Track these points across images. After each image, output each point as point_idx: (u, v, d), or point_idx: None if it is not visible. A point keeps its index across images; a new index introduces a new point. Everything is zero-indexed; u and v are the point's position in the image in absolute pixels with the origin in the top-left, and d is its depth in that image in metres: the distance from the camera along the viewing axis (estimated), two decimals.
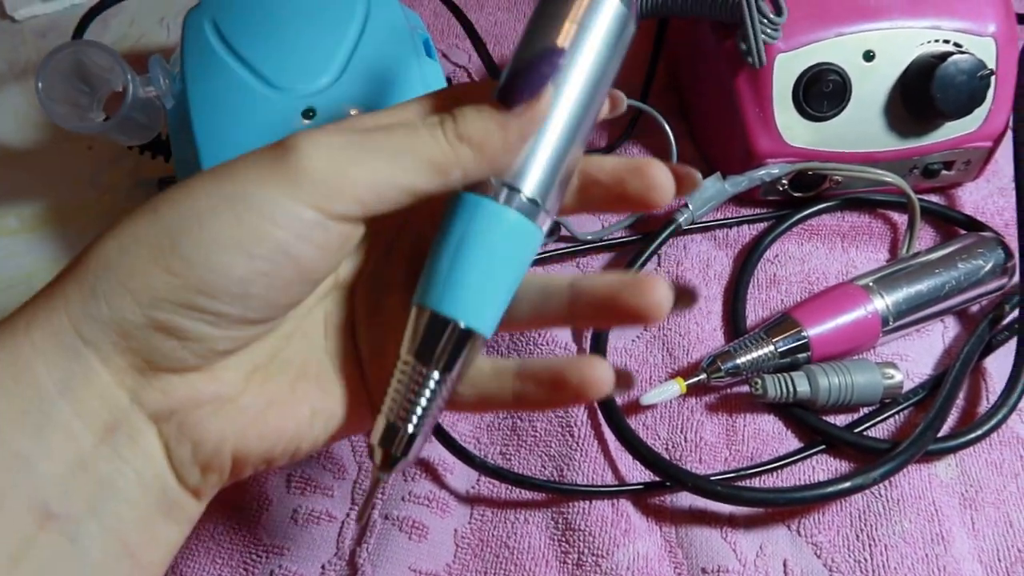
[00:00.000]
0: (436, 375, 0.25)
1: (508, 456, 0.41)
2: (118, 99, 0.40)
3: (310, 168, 0.23)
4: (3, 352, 0.23)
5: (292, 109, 0.39)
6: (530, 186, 0.25)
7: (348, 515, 0.39)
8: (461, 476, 0.40)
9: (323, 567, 0.38)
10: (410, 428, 0.25)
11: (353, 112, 0.39)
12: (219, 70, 0.40)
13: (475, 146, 0.24)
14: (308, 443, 0.27)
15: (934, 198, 0.50)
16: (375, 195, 0.24)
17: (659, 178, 0.26)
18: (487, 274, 0.25)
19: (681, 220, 0.46)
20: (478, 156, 0.24)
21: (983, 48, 0.45)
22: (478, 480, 0.40)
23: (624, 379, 0.27)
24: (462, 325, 0.25)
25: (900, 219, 0.49)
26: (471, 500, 0.40)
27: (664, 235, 0.46)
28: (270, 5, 0.43)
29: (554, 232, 0.48)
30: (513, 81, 0.25)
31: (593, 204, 0.28)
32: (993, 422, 0.39)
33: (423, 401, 0.25)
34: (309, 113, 0.39)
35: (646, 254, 0.46)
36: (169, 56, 0.44)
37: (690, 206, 0.47)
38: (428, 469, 0.40)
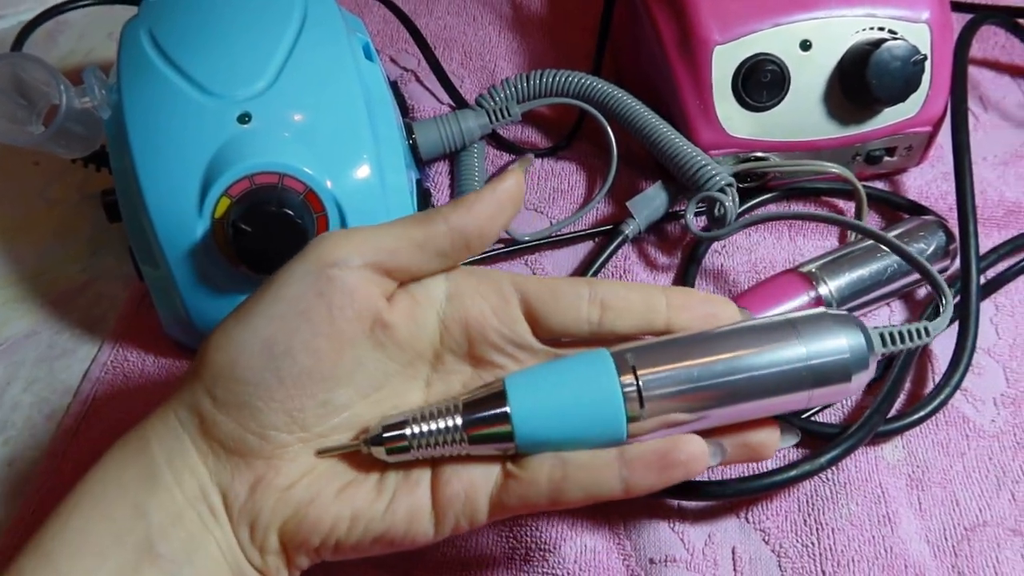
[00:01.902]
0: (459, 421, 0.29)
1: None
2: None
3: (323, 236, 0.29)
4: (135, 430, 0.30)
5: (227, 115, 0.39)
6: (651, 389, 0.28)
7: None
8: None
9: None
10: (407, 431, 0.29)
11: (297, 118, 0.39)
12: (153, 78, 0.40)
13: (454, 201, 0.30)
14: (351, 542, 0.29)
15: (879, 184, 0.50)
16: (373, 243, 0.29)
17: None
18: (556, 401, 0.28)
19: (628, 232, 0.47)
20: (456, 206, 0.30)
21: (917, 34, 0.45)
22: None
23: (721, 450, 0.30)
24: (508, 411, 0.28)
25: (846, 206, 0.50)
26: None
27: (612, 247, 0.46)
28: (206, 12, 0.43)
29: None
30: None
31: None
32: (937, 402, 0.40)
33: (434, 426, 0.29)
34: (244, 118, 0.39)
35: (595, 265, 0.46)
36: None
37: (636, 219, 0.47)
38: None
